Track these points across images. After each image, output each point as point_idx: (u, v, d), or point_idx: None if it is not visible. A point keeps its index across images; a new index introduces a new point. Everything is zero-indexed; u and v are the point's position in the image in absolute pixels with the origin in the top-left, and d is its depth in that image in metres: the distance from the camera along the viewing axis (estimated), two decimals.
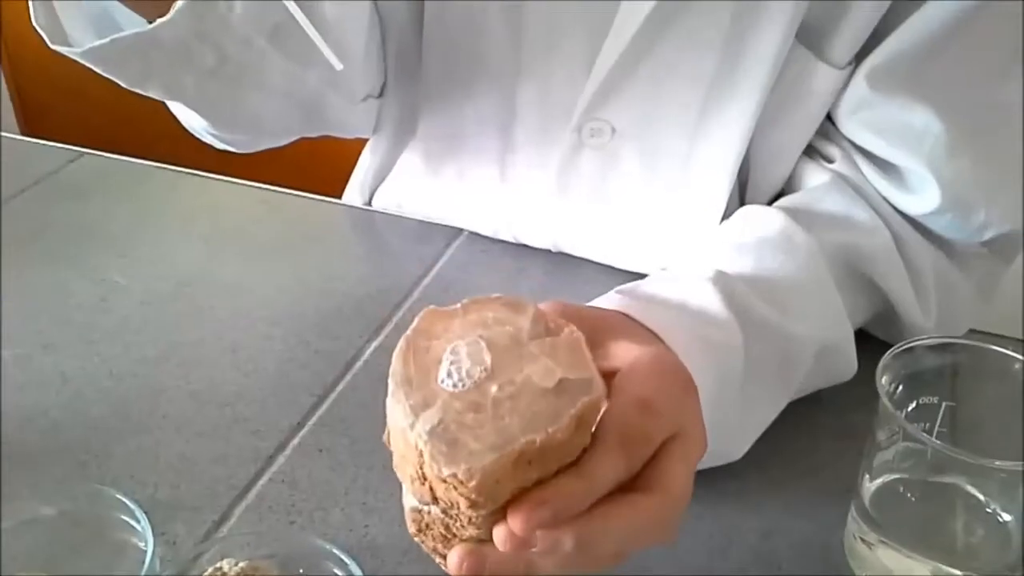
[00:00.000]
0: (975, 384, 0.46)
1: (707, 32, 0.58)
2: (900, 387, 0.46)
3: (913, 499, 0.47)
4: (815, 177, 0.62)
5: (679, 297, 0.49)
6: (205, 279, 0.69)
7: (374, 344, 0.62)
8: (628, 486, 0.37)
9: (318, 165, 1.02)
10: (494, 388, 0.34)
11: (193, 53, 0.57)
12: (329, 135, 0.73)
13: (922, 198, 0.57)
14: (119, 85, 0.58)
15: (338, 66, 0.54)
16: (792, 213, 0.57)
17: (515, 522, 0.33)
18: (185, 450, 0.53)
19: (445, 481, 0.33)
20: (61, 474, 0.52)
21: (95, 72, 0.56)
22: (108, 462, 0.53)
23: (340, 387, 0.58)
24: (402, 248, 0.74)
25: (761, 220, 0.57)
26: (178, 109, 0.69)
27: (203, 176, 0.82)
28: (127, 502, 0.48)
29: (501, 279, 0.70)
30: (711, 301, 0.48)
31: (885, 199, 0.59)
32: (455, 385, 0.35)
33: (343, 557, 0.45)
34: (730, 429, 0.48)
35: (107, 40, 0.55)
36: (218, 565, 0.42)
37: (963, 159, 0.56)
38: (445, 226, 0.75)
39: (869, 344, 0.55)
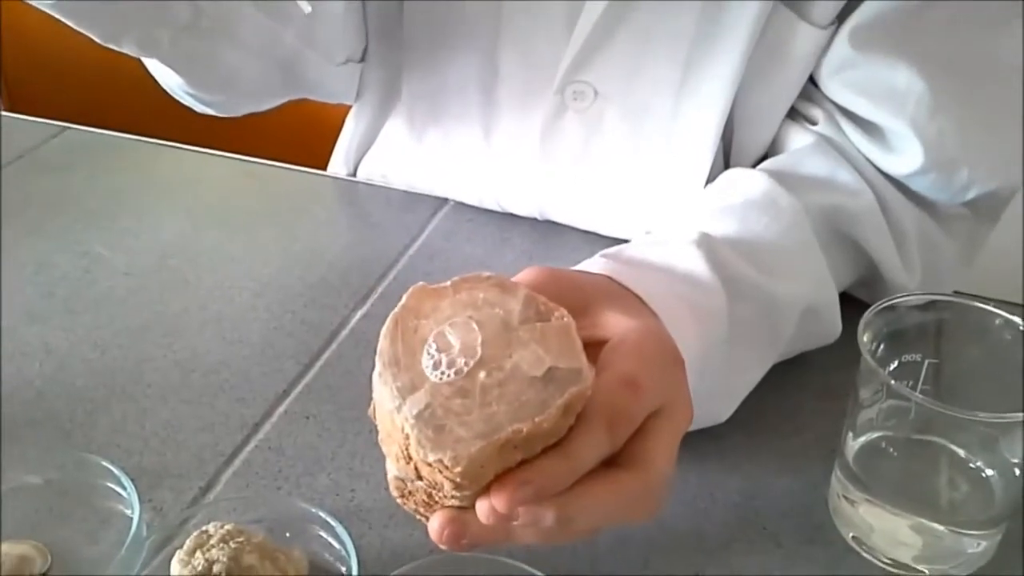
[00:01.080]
0: (958, 341, 0.47)
1: (678, 10, 0.58)
2: (882, 345, 0.46)
3: (896, 457, 0.47)
4: (799, 139, 0.62)
5: (664, 261, 0.49)
6: (188, 250, 0.69)
7: (360, 313, 0.62)
8: (611, 461, 0.37)
9: (303, 136, 1.01)
10: (482, 374, 0.34)
11: (167, 7, 0.57)
12: (309, 98, 0.73)
13: (905, 158, 0.57)
14: (100, 56, 0.58)
15: (307, 9, 0.54)
16: (776, 175, 0.56)
17: (498, 500, 0.33)
18: (171, 418, 0.53)
19: (430, 465, 0.33)
20: (46, 443, 0.52)
21: (79, 48, 0.56)
22: (93, 431, 0.53)
23: (326, 355, 0.58)
24: (387, 218, 0.74)
25: (745, 182, 0.56)
26: (155, 67, 0.67)
27: (186, 149, 0.82)
28: (113, 469, 0.48)
29: (486, 248, 0.69)
30: (696, 264, 0.48)
31: (869, 160, 0.59)
32: (443, 374, 0.34)
33: (329, 520, 0.45)
34: (715, 393, 0.48)
35: None
36: (204, 528, 0.42)
37: (946, 118, 0.56)
38: (430, 196, 0.74)
39: (854, 305, 0.56)
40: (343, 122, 0.82)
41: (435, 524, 0.36)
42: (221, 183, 0.80)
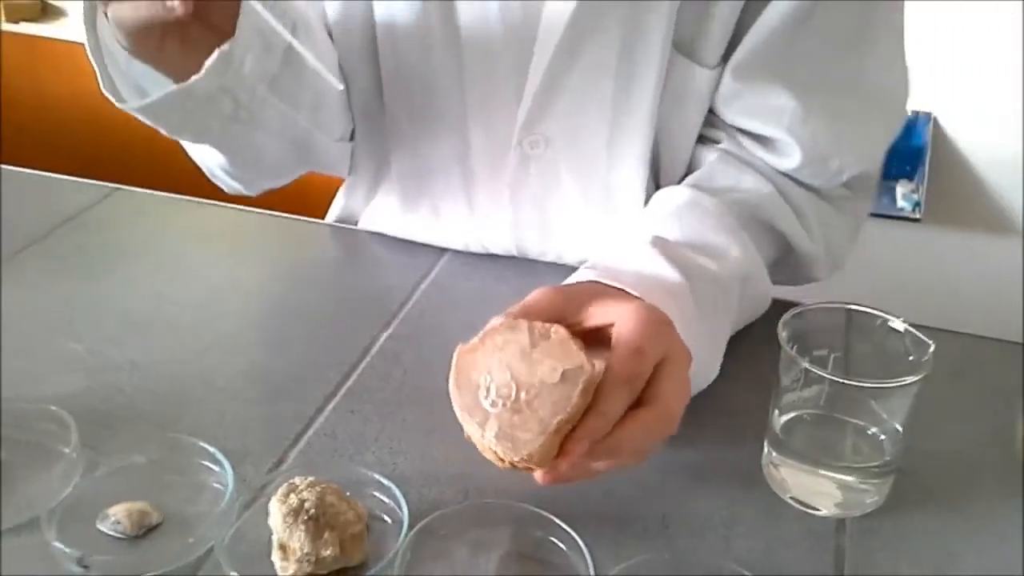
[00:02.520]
0: (855, 339, 0.62)
1: (605, 56, 0.74)
2: (796, 344, 0.60)
3: (812, 429, 0.61)
4: (708, 156, 0.79)
5: (633, 262, 0.65)
6: (235, 287, 0.83)
7: (385, 334, 0.76)
8: (636, 403, 0.54)
9: (300, 200, 1.15)
10: (523, 395, 0.51)
11: (216, 102, 0.71)
12: (315, 171, 0.88)
13: (790, 158, 0.75)
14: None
15: (339, 86, 0.69)
16: (696, 186, 0.74)
17: (566, 459, 0.51)
18: (241, 413, 0.66)
19: (515, 463, 0.51)
20: (143, 434, 0.65)
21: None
22: (179, 424, 0.66)
23: (362, 366, 0.72)
24: (398, 259, 0.87)
25: (675, 195, 0.74)
26: (196, 151, 0.83)
27: (221, 205, 0.96)
28: (207, 447, 0.61)
29: (483, 285, 0.84)
30: (657, 260, 0.65)
31: (765, 162, 0.77)
32: (498, 405, 0.52)
33: (383, 481, 0.59)
34: (701, 357, 0.62)
35: (158, 95, 0.69)
36: (291, 480, 0.55)
37: (816, 125, 0.74)
38: (430, 246, 0.89)
39: (773, 309, 0.71)
40: (335, 190, 0.97)
41: (539, 476, 0.52)
42: (247, 232, 0.94)
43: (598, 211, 0.82)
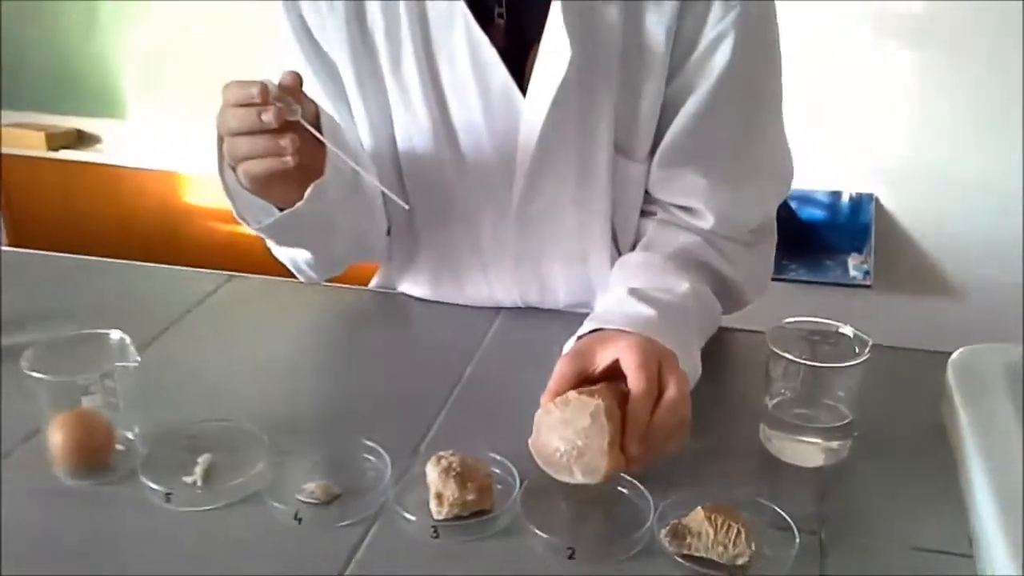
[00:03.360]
0: (819, 341, 0.87)
1: (568, 155, 1.02)
2: (779, 347, 0.86)
3: (793, 406, 0.87)
4: (649, 226, 1.07)
5: (619, 308, 0.91)
6: (332, 349, 1.08)
7: (459, 386, 0.99)
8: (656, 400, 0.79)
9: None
10: (579, 443, 0.76)
11: (312, 219, 0.98)
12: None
13: (706, 221, 1.03)
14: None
15: (406, 207, 0.96)
16: (646, 249, 1.04)
17: (634, 463, 0.78)
18: (368, 430, 0.89)
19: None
20: (313, 441, 0.88)
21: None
22: (335, 431, 0.90)
23: (449, 401, 0.96)
24: (457, 322, 1.13)
25: (635, 258, 1.03)
26: (284, 252, 1.09)
27: (319, 285, 1.21)
28: (369, 443, 0.85)
29: (528, 339, 1.09)
30: (635, 304, 0.91)
31: (689, 224, 1.04)
32: (568, 460, 0.76)
33: (497, 457, 0.83)
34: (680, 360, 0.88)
35: (276, 218, 0.96)
36: (438, 454, 0.79)
37: (720, 196, 1.02)
38: (483, 308, 1.14)
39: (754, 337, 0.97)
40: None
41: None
42: (314, 302, 1.20)
43: (577, 267, 1.11)
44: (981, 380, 0.91)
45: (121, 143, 2.68)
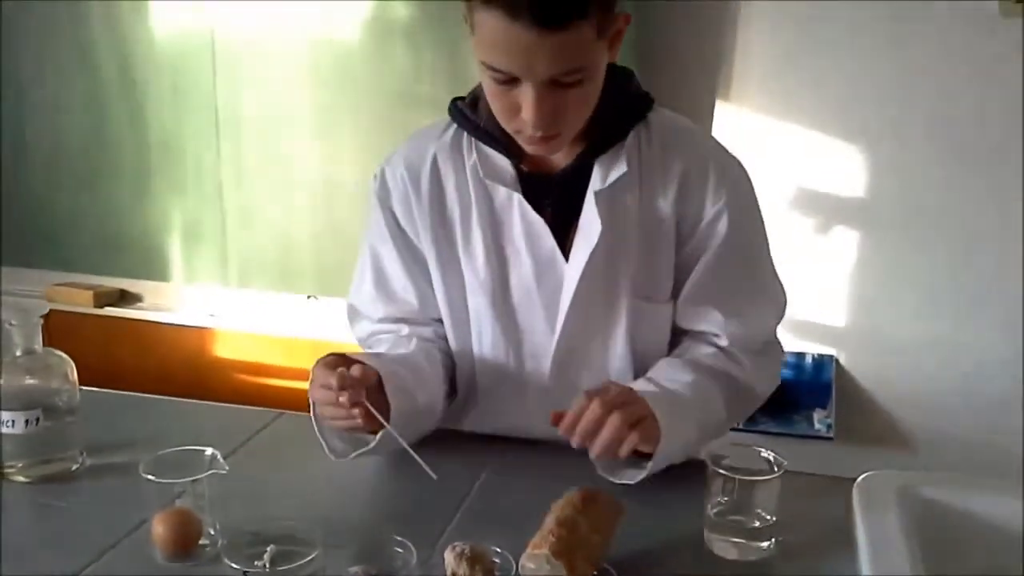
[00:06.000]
0: (745, 462, 1.13)
1: (597, 314, 1.34)
2: (715, 466, 1.12)
3: (728, 513, 1.12)
4: (681, 343, 1.38)
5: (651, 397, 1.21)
6: (373, 466, 1.33)
7: (469, 496, 1.25)
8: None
9: None
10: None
11: (379, 450, 1.26)
12: None
13: (721, 340, 1.35)
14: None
15: (434, 476, 1.20)
16: (674, 356, 1.35)
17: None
18: (399, 532, 1.14)
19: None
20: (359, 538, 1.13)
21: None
22: (370, 529, 1.14)
23: (461, 508, 1.21)
24: (470, 447, 1.39)
25: (660, 362, 1.35)
26: (330, 437, 1.32)
27: None
28: (398, 538, 1.09)
29: (525, 464, 1.35)
30: (643, 386, 1.24)
31: (712, 343, 1.35)
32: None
33: (498, 549, 1.07)
34: (670, 422, 1.19)
35: (359, 453, 1.25)
36: (453, 544, 1.04)
37: (732, 324, 1.34)
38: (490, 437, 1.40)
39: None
40: None
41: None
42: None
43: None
44: (878, 498, 1.16)
45: (161, 301, 2.98)
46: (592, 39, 1.13)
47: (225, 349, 2.96)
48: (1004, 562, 1.11)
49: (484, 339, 1.40)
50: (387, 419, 1.21)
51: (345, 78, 2.61)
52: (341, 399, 1.16)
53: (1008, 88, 2.33)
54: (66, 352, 1.32)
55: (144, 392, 1.63)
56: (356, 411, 1.18)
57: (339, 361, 1.23)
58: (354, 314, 1.49)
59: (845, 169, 2.50)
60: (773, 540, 1.11)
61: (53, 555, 1.10)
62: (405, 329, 1.43)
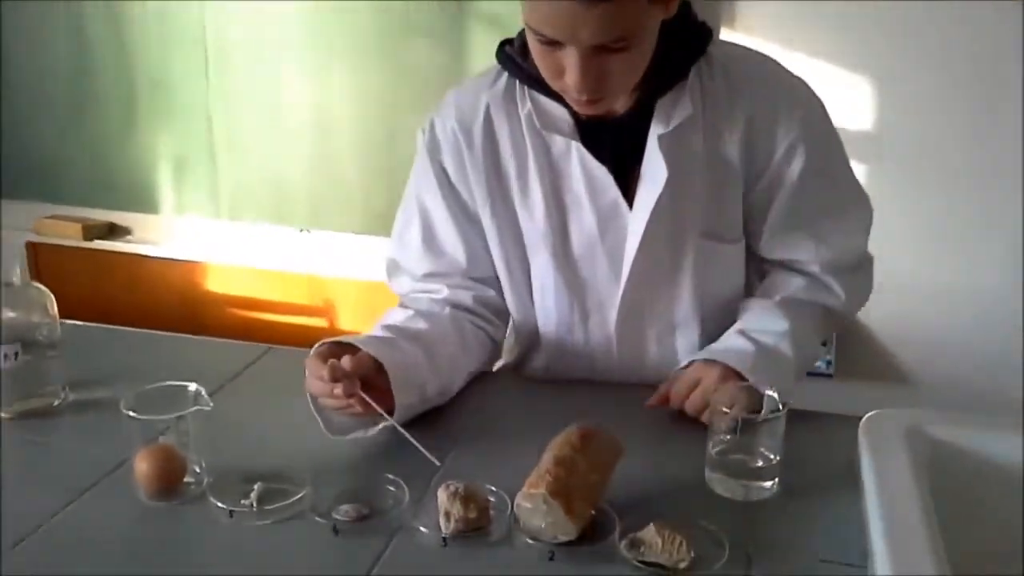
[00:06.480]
0: (753, 402, 1.10)
1: (662, 261, 1.29)
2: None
3: (730, 453, 1.08)
4: (767, 277, 1.37)
5: (724, 345, 1.25)
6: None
7: (465, 433, 1.22)
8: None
9: None
10: (550, 520, 0.96)
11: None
12: None
13: (813, 267, 1.32)
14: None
15: (437, 464, 1.12)
16: (763, 294, 1.33)
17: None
18: (391, 470, 1.11)
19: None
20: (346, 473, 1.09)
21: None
22: (360, 468, 1.11)
23: (456, 446, 1.17)
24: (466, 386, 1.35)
25: (751, 304, 1.32)
26: (333, 418, 1.22)
27: None
28: (391, 476, 1.06)
29: (520, 402, 1.31)
30: (738, 341, 1.22)
31: (801, 269, 1.33)
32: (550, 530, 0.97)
33: (492, 488, 1.04)
34: (768, 379, 1.13)
35: (355, 436, 1.17)
36: (447, 482, 1.00)
37: (821, 249, 1.30)
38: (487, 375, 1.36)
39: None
40: None
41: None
42: None
43: (666, 341, 1.36)
44: (884, 437, 1.12)
45: (151, 234, 2.93)
46: (643, 6, 1.08)
47: (216, 283, 2.91)
48: (1015, 505, 1.08)
49: (546, 293, 1.36)
50: (392, 401, 1.15)
51: (337, 7, 2.53)
52: (336, 391, 1.10)
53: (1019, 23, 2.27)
54: (55, 287, 1.28)
55: (135, 327, 1.59)
56: (352, 402, 1.12)
57: (333, 351, 1.16)
58: (395, 269, 1.42)
59: (850, 101, 2.44)
60: (776, 480, 1.08)
61: (33, 493, 1.06)
62: (444, 291, 1.36)
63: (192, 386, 1.09)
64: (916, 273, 2.50)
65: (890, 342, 2.59)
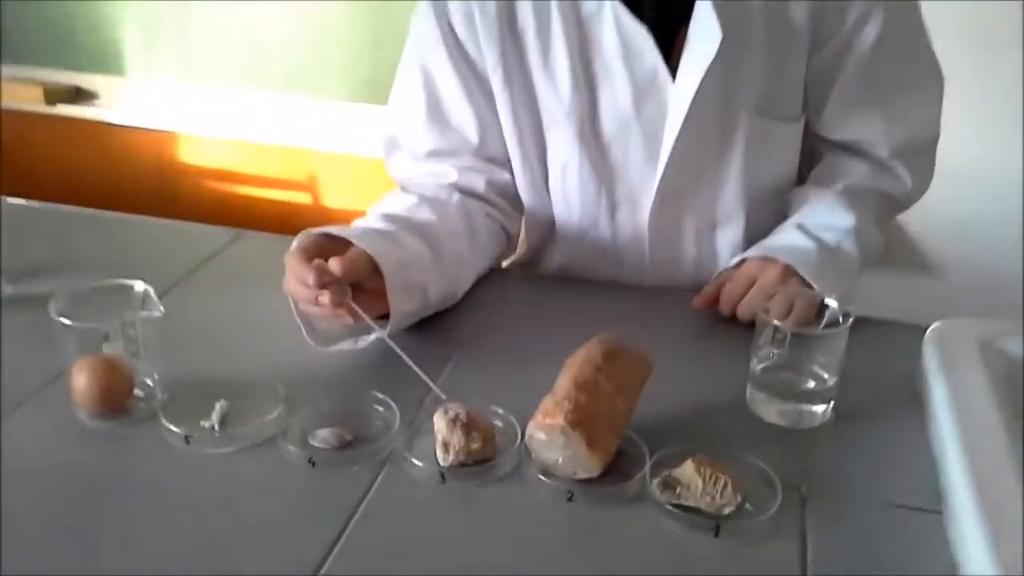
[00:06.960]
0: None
1: (709, 142, 1.10)
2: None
3: (778, 372, 0.92)
4: (825, 160, 1.19)
5: (784, 242, 1.08)
6: None
7: (465, 344, 1.05)
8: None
9: None
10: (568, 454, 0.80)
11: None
12: None
13: (881, 150, 1.15)
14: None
15: (443, 397, 0.91)
16: (819, 180, 1.17)
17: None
18: (379, 387, 0.94)
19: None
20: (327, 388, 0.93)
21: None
22: (346, 382, 0.94)
23: (454, 358, 1.01)
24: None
25: (809, 193, 1.16)
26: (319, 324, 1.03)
27: None
28: (378, 394, 0.90)
29: (531, 300, 1.14)
30: (800, 239, 1.07)
31: (867, 152, 1.16)
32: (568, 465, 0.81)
33: (499, 410, 0.88)
34: (826, 279, 1.01)
35: (341, 348, 0.99)
36: (445, 405, 0.84)
37: (890, 127, 1.13)
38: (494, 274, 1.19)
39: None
40: None
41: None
42: None
43: (705, 237, 1.18)
44: (955, 351, 0.96)
45: (119, 100, 2.70)
46: None
47: (190, 154, 2.70)
48: None
49: (568, 178, 1.16)
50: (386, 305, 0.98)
51: None
52: (321, 299, 0.92)
53: None
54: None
55: (104, 203, 1.41)
56: (340, 311, 0.94)
57: (320, 244, 0.97)
58: (393, 146, 1.22)
59: None
60: (831, 404, 0.92)
61: None
62: (452, 174, 1.17)
63: (140, 285, 0.91)
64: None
65: (914, 229, 2.42)
